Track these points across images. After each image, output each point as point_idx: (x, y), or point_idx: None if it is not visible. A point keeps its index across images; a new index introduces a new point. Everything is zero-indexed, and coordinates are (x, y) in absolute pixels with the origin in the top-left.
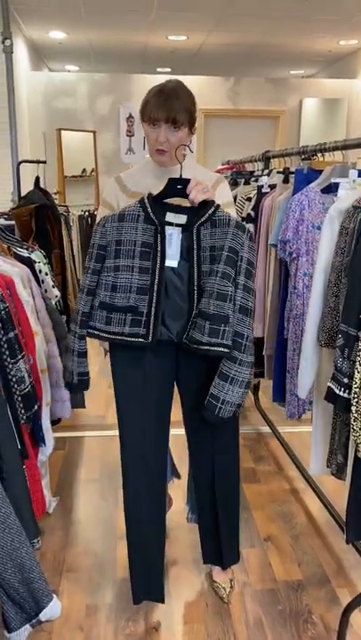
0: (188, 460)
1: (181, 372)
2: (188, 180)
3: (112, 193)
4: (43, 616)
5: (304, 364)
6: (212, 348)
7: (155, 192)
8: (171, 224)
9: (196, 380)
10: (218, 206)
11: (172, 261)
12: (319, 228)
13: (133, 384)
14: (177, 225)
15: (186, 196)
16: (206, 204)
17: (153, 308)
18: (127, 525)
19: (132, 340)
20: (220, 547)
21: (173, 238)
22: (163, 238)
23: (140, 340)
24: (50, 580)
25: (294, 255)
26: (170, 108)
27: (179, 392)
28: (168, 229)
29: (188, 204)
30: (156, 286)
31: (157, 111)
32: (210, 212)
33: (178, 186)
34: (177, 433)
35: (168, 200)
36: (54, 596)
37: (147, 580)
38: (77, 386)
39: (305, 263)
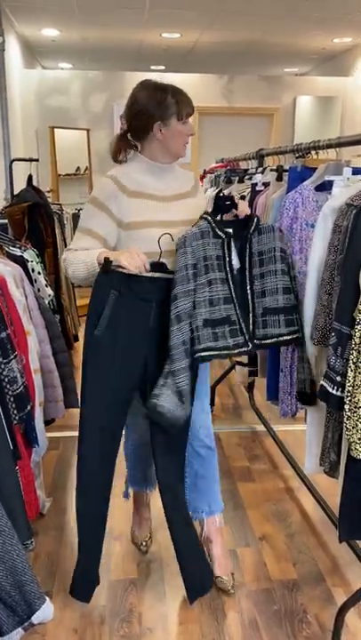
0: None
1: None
2: (231, 197)
3: (111, 195)
4: (35, 619)
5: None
6: (292, 337)
7: (155, 192)
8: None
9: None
10: (258, 217)
11: (236, 268)
12: (313, 226)
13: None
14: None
15: (228, 212)
16: (249, 215)
17: (239, 315)
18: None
19: (238, 350)
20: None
21: (232, 248)
22: (230, 249)
23: (243, 349)
24: (44, 581)
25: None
26: (191, 101)
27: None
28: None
29: (230, 218)
30: (233, 293)
31: (190, 106)
32: (255, 221)
33: (226, 202)
34: None
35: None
36: (47, 598)
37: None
38: None
39: (298, 261)
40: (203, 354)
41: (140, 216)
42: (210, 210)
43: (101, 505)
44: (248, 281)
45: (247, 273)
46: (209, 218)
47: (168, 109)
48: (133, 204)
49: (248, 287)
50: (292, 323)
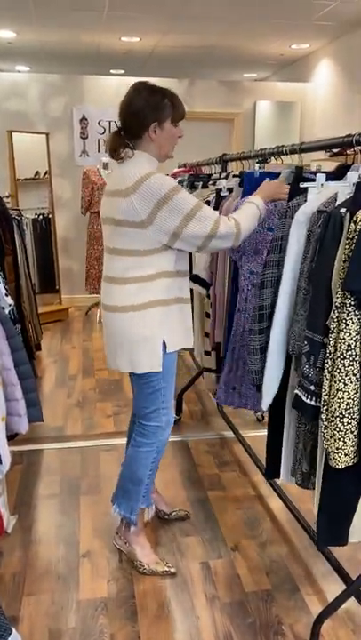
0: None
1: None
2: None
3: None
4: None
5: (268, 375)
6: None
7: None
8: None
9: None
10: None
11: None
12: (270, 230)
13: None
14: None
15: None
16: None
17: None
18: None
19: None
20: None
21: None
22: None
23: None
24: (9, 605)
25: (240, 254)
26: (184, 106)
27: None
28: None
29: None
30: None
31: (183, 110)
32: None
33: None
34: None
35: None
36: (13, 630)
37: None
38: None
39: (252, 262)
40: None
41: None
42: None
43: None
44: None
45: None
46: None
47: (164, 112)
48: None
49: None
50: None
